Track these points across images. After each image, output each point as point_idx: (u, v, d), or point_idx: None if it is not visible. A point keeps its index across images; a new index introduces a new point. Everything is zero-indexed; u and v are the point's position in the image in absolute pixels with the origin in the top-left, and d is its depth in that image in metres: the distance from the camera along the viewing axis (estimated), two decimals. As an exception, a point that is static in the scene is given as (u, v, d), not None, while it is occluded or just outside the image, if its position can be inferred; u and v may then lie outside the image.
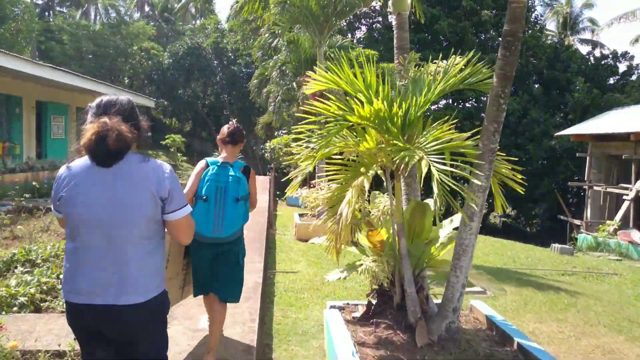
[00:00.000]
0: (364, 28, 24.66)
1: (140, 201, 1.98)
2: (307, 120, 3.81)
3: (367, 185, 3.64)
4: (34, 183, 11.68)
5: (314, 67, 4.01)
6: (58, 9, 43.01)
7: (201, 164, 3.31)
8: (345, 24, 16.16)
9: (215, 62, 34.99)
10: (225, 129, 3.43)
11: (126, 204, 1.96)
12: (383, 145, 3.62)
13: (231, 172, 3.22)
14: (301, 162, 3.79)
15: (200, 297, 3.52)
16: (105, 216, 1.94)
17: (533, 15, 25.75)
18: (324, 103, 3.52)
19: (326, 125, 3.48)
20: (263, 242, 7.28)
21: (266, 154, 17.89)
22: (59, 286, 4.60)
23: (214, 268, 3.27)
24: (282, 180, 12.78)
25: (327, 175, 4.02)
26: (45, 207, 8.30)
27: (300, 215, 10.37)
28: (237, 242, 3.34)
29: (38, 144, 16.98)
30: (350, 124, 3.49)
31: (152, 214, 2.01)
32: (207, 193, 3.16)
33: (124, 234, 1.97)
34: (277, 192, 19.98)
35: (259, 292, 4.89)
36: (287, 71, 15.00)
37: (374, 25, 24.07)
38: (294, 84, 14.84)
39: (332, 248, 3.90)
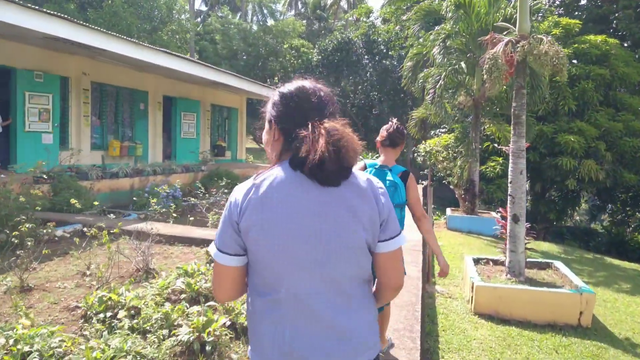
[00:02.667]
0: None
1: (358, 227, 1.40)
2: None
3: None
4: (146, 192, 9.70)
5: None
6: (219, 14, 44.27)
7: (359, 165, 3.09)
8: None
9: (365, 57, 32.24)
10: (384, 130, 3.20)
11: (345, 231, 1.39)
12: None
13: (389, 177, 3.06)
14: None
15: None
16: (316, 249, 1.37)
17: None
18: None
19: None
20: (415, 325, 3.76)
21: (418, 158, 14.16)
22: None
23: None
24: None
25: None
26: (122, 228, 5.55)
27: (477, 261, 6.52)
28: None
29: (167, 144, 15.52)
30: None
31: (370, 244, 1.45)
32: None
33: (344, 272, 1.41)
34: (434, 209, 16.01)
35: None
36: (453, 48, 11.14)
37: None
38: (462, 63, 10.87)
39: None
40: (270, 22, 37.89)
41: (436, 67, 11.07)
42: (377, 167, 3.12)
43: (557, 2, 17.72)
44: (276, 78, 35.16)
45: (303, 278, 1.37)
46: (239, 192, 1.41)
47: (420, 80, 12.16)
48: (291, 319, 1.38)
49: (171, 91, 14.85)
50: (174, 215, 7.91)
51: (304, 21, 42.76)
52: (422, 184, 16.24)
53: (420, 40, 12.32)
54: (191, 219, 7.59)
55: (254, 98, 26.18)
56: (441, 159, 12.40)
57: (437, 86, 10.63)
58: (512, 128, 5.76)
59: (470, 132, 11.89)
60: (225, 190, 10.23)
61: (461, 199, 11.82)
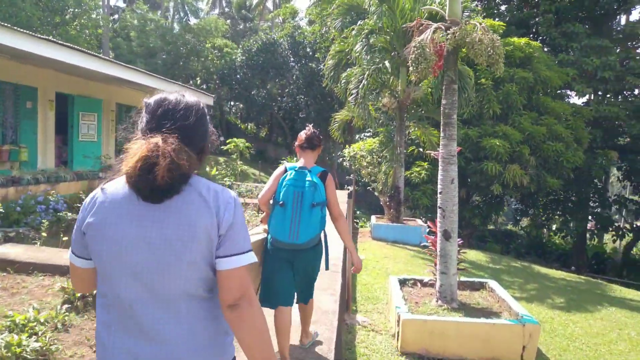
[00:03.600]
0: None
1: (189, 242, 1.37)
2: None
3: None
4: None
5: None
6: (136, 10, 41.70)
7: (280, 168, 3.28)
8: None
9: (291, 58, 31.36)
10: (302, 135, 3.36)
11: (173, 243, 1.37)
12: None
13: (308, 177, 3.14)
14: None
15: None
16: (143, 258, 1.38)
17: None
18: None
19: None
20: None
21: (345, 163, 13.37)
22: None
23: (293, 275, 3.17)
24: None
25: None
26: None
27: (404, 282, 5.65)
28: (313, 250, 3.17)
29: (62, 148, 13.69)
30: None
31: (206, 259, 1.40)
32: (284, 198, 3.10)
33: (170, 285, 1.39)
34: (357, 215, 15.38)
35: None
36: (377, 47, 10.42)
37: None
38: (386, 63, 10.17)
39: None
40: (193, 21, 36.09)
41: (359, 65, 10.29)
42: (297, 169, 3.20)
43: (479, 7, 17.67)
44: (198, 79, 33.50)
45: (127, 284, 1.38)
46: (89, 196, 1.47)
47: (343, 81, 11.36)
48: (117, 323, 1.41)
49: (67, 88, 13.08)
50: (44, 234, 6.51)
51: (228, 21, 41.29)
52: (348, 189, 15.50)
53: (343, 37, 11.49)
54: (65, 239, 6.24)
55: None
56: (365, 164, 11.65)
57: (361, 86, 9.84)
58: (441, 129, 4.96)
59: (395, 136, 11.22)
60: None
61: (386, 206, 11.11)
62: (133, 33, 29.54)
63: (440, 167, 4.95)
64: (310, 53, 30.61)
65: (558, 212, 16.36)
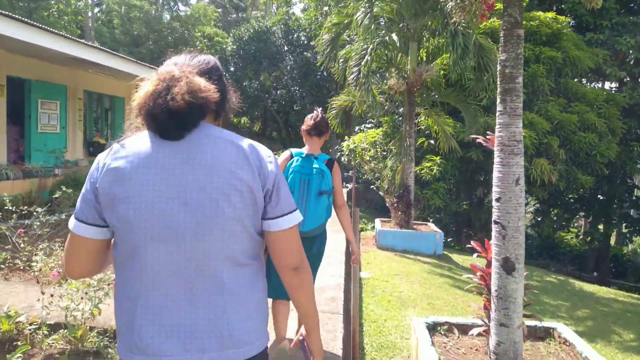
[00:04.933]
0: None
1: (231, 196, 1.19)
2: None
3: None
4: None
5: None
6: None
7: (285, 154, 3.21)
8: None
9: (285, 47, 29.53)
10: (309, 120, 3.24)
11: (210, 200, 1.18)
12: None
13: (315, 165, 3.10)
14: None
15: None
16: (177, 220, 1.18)
17: None
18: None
19: None
20: None
21: (343, 157, 11.62)
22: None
23: None
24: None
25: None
26: None
27: (434, 327, 3.90)
28: (319, 239, 3.16)
29: (18, 141, 11.90)
30: None
31: (251, 218, 1.23)
32: (290, 185, 3.01)
33: (210, 250, 1.19)
34: (361, 216, 13.46)
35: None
36: (382, 16, 8.67)
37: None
38: (394, 35, 8.43)
39: None
40: (182, 9, 34.18)
41: (361, 37, 8.51)
42: (303, 155, 3.13)
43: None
44: (187, 70, 31.53)
45: (159, 251, 1.18)
46: (101, 156, 1.27)
47: (341, 59, 9.60)
48: (144, 296, 1.20)
49: (22, 71, 11.26)
50: None
51: (220, 10, 39.45)
52: (347, 187, 13.73)
53: (341, 6, 9.71)
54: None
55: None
56: (368, 158, 9.89)
57: (363, 63, 8.08)
58: (499, 101, 3.20)
59: (403, 126, 9.48)
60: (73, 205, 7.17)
61: (393, 208, 9.37)
62: (116, 20, 27.66)
63: (496, 160, 3.20)
64: (305, 41, 28.83)
65: (581, 213, 14.66)
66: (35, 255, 4.71)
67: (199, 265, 1.19)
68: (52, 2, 23.82)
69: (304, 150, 3.17)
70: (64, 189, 8.53)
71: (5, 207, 6.94)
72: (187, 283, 1.19)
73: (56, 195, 8.29)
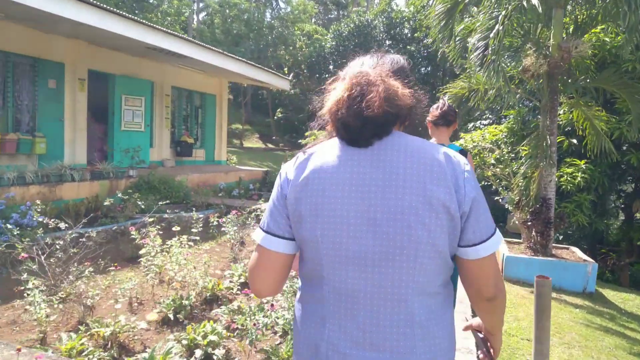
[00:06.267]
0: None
1: (426, 217, 1.08)
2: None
3: None
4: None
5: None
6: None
7: None
8: None
9: (387, 42, 27.68)
10: (435, 110, 3.14)
11: (402, 221, 1.09)
12: None
13: None
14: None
15: None
16: (366, 242, 1.10)
17: None
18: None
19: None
20: None
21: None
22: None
23: None
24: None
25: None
26: None
27: None
28: None
29: (101, 139, 11.32)
30: None
31: (446, 242, 1.11)
32: None
33: (401, 278, 1.10)
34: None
35: None
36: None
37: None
38: (536, 2, 6.33)
39: None
40: (282, 6, 33.66)
41: (489, 4, 6.50)
42: None
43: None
44: (286, 69, 30.85)
45: (348, 275, 1.11)
46: (288, 167, 1.23)
47: (458, 37, 7.63)
48: (334, 318, 1.14)
49: (105, 65, 10.65)
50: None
51: (320, 7, 38.56)
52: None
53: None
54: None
55: (243, 83, 21.82)
56: (493, 161, 7.77)
57: (493, 34, 6.07)
58: None
59: (541, 120, 7.28)
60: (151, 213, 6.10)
61: (525, 227, 7.18)
62: (217, 19, 27.56)
63: None
64: (409, 34, 26.79)
65: None
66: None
67: (387, 294, 1.10)
68: (155, 2, 24.07)
69: (432, 141, 2.82)
70: (147, 193, 7.49)
71: (46, 214, 5.92)
72: (374, 313, 1.11)
73: (115, 200, 7.25)
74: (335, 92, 1.15)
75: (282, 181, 1.21)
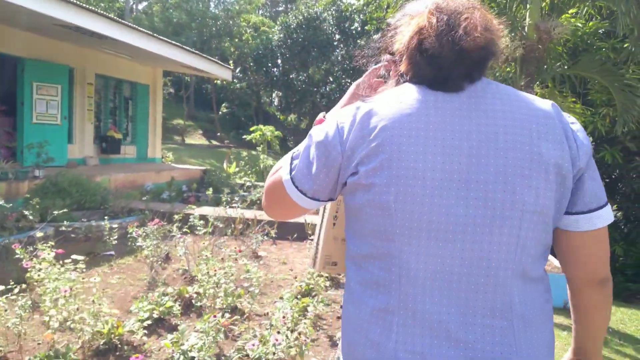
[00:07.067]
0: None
1: (533, 178, 0.85)
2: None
3: None
4: None
5: None
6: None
7: None
8: None
9: (336, 36, 26.90)
10: None
11: (504, 184, 0.85)
12: None
13: None
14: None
15: None
16: (455, 212, 0.85)
17: None
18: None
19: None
20: None
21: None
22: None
23: None
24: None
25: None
26: None
27: None
28: None
29: (10, 134, 9.68)
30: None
31: (555, 211, 0.88)
32: None
33: (498, 257, 0.85)
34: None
35: None
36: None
37: None
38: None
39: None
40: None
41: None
42: None
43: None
44: (231, 62, 29.39)
45: (428, 250, 0.85)
46: (343, 117, 0.93)
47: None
48: (403, 311, 0.86)
49: (12, 47, 9.04)
50: None
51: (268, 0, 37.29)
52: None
53: None
54: None
55: (181, 73, 20.25)
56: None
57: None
58: None
59: None
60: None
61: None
62: (156, 7, 25.77)
63: None
64: (359, 28, 26.06)
65: None
66: None
67: (480, 276, 0.84)
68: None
69: None
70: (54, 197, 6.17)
71: None
72: (462, 300, 0.85)
73: (15, 206, 5.84)
74: (411, 24, 0.89)
75: (331, 136, 0.92)
